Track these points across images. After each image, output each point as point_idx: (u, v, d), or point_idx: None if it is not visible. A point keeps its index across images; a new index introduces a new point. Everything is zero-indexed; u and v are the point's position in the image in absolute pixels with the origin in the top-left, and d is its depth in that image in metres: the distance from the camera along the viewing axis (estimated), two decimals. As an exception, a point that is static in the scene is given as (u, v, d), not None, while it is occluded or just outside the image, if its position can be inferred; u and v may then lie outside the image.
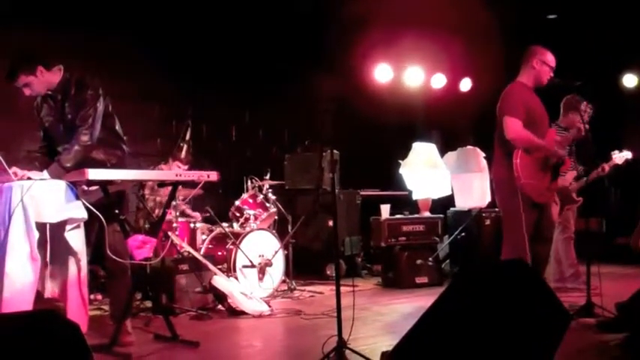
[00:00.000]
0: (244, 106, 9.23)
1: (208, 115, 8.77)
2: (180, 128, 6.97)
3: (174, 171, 5.96)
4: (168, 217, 6.10)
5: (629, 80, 10.16)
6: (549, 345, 2.67)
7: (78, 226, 4.39)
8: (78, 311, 4.40)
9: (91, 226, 4.51)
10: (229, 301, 5.89)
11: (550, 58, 5.25)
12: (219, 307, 6.04)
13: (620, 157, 6.66)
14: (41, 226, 4.12)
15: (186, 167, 6.77)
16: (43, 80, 4.54)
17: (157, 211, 6.34)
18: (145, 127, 8.15)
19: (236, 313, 5.83)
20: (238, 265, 6.55)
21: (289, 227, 7.59)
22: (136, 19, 7.61)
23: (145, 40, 7.74)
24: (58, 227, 4.28)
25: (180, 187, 5.00)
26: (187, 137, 6.68)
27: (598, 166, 6.63)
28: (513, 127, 4.98)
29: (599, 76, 8.01)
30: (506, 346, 2.66)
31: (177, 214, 6.47)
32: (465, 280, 2.77)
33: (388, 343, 4.24)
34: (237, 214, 7.20)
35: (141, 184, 6.16)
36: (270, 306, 6.01)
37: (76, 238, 4.39)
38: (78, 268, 4.43)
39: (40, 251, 4.11)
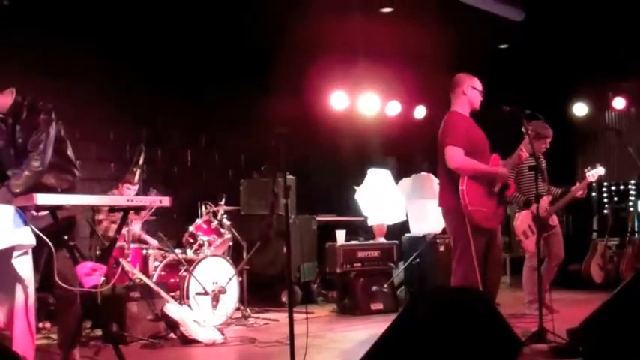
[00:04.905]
0: (200, 131, 9.18)
1: (164, 139, 8.71)
2: (134, 152, 6.90)
3: (126, 197, 5.88)
4: (120, 243, 6.03)
5: (579, 109, 10.41)
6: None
7: (26, 253, 4.27)
8: (25, 340, 4.26)
9: (39, 252, 4.40)
10: (182, 329, 5.80)
11: (478, 83, 5.28)
12: (172, 335, 5.95)
13: (593, 174, 6.68)
14: (-13, 253, 4.01)
15: (136, 188, 6.72)
16: (-5, 103, 4.46)
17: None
18: (99, 151, 8.08)
19: (188, 341, 5.75)
20: (191, 293, 6.47)
21: (244, 253, 7.53)
22: (91, 43, 7.52)
23: (100, 64, 7.65)
24: (5, 253, 4.16)
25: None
26: (141, 162, 6.62)
27: (569, 188, 6.73)
28: (455, 156, 5.01)
29: (550, 105, 8.17)
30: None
31: (129, 239, 6.38)
32: (416, 308, 2.78)
33: (341, 371, 4.23)
34: (191, 240, 7.12)
35: (93, 210, 6.07)
36: (223, 334, 5.94)
37: (24, 265, 4.27)
38: (25, 295, 4.30)
39: (-14, 278, 4.00)
